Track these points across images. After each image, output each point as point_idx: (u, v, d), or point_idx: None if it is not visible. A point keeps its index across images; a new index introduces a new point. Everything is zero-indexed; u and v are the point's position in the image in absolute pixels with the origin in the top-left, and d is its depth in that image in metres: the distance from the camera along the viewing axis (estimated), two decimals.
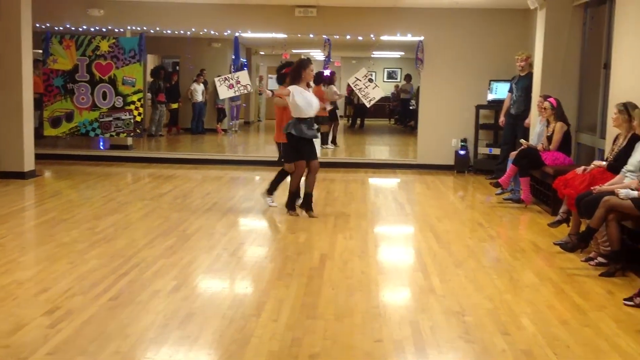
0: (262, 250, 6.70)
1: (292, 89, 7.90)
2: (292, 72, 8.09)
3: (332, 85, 14.95)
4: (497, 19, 11.98)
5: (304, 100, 7.90)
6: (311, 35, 12.50)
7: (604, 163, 6.80)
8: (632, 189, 5.77)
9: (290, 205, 8.14)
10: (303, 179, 8.16)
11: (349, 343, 4.25)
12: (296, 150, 8.00)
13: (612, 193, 5.83)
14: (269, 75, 24.68)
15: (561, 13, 9.75)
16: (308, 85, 8.26)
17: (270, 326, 4.47)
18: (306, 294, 5.16)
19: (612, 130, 7.15)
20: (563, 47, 9.80)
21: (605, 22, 8.87)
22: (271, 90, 8.29)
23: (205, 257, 6.21)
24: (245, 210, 8.47)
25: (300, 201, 8.23)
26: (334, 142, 15.53)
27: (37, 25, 11.69)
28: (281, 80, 8.62)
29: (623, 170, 6.32)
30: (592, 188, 6.27)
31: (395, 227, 8.06)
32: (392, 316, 4.74)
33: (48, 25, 12.29)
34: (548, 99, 8.78)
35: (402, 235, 7.82)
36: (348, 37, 12.45)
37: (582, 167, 6.96)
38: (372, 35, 12.58)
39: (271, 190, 8.52)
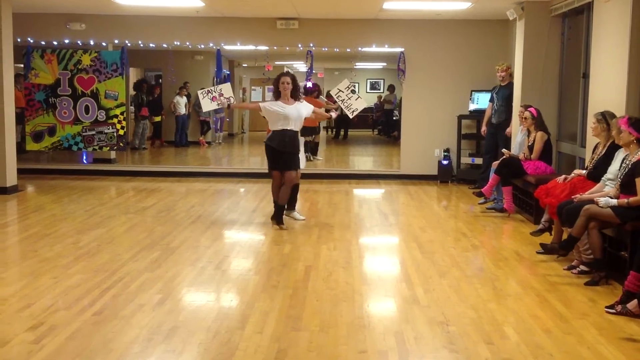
0: (247, 263, 6.69)
1: (263, 105, 8.24)
2: (273, 90, 8.31)
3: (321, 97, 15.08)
4: (477, 30, 12.10)
5: (273, 114, 8.06)
6: (293, 48, 12.53)
7: (584, 172, 6.88)
8: (611, 197, 5.85)
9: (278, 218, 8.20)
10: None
11: (333, 354, 4.27)
12: (271, 161, 8.18)
13: (592, 202, 5.90)
14: (252, 87, 24.70)
15: (540, 23, 9.87)
16: (296, 98, 8.25)
17: (255, 339, 4.47)
18: (291, 306, 5.18)
19: (592, 139, 7.23)
20: (542, 57, 9.92)
21: (583, 31, 8.99)
22: (229, 104, 8.39)
23: (190, 270, 6.20)
24: (230, 223, 8.47)
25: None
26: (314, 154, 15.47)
27: (19, 39, 11.67)
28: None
29: (603, 178, 6.40)
30: (573, 197, 6.34)
31: (379, 238, 8.09)
32: (377, 327, 4.76)
33: (29, 39, 12.25)
34: (528, 109, 8.87)
35: (386, 245, 7.86)
36: (329, 49, 12.51)
37: (563, 176, 7.03)
38: (354, 47, 12.64)
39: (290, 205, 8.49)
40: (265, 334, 4.56)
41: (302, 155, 8.79)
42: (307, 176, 12.22)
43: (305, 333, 4.59)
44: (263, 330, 4.63)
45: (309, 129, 14.19)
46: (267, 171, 8.42)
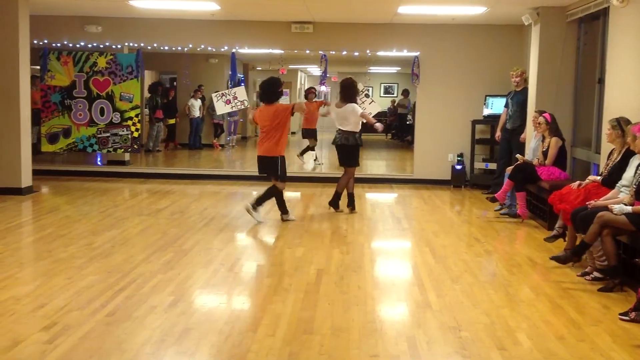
0: (259, 266, 6.71)
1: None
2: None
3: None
4: (492, 34, 12.07)
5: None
6: (307, 51, 12.56)
7: (599, 178, 6.84)
8: (626, 204, 5.81)
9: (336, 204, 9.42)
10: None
11: (345, 358, 4.27)
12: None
13: (606, 208, 5.86)
14: None
15: (555, 28, 9.84)
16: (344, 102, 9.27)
17: (267, 341, 4.48)
18: (303, 309, 5.18)
19: (607, 145, 7.20)
20: (558, 62, 9.88)
21: (599, 37, 8.95)
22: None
23: (202, 272, 6.22)
24: (243, 226, 8.48)
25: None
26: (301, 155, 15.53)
27: (35, 41, 11.75)
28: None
29: (618, 185, 6.36)
30: (587, 203, 6.31)
31: (391, 242, 8.08)
32: (389, 331, 4.75)
33: (46, 41, 12.35)
34: (543, 114, 8.84)
35: (398, 250, 7.84)
36: (344, 52, 12.53)
37: (577, 182, 6.99)
38: (368, 51, 12.65)
39: (261, 202, 8.66)
40: (277, 337, 4.56)
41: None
42: (320, 180, 12.25)
43: (317, 336, 4.59)
44: (275, 333, 4.63)
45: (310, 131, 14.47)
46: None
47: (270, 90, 8.69)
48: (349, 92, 9.32)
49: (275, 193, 8.62)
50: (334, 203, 9.42)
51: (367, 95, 10.50)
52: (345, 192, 9.45)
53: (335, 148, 9.48)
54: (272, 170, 8.57)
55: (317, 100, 13.98)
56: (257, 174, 12.53)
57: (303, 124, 14.93)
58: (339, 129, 9.34)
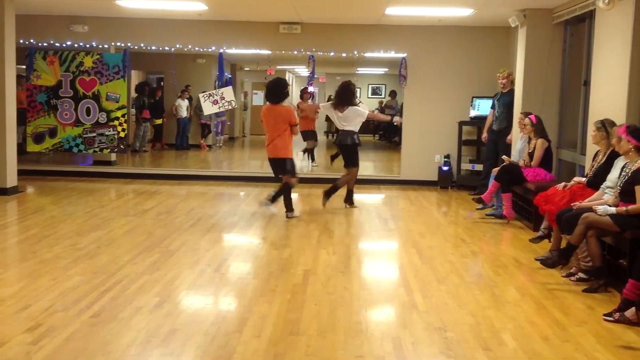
0: (246, 266, 6.70)
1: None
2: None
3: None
4: (479, 36, 12.12)
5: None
6: (295, 52, 12.56)
7: (584, 179, 6.88)
8: (610, 205, 5.85)
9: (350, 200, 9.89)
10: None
11: (331, 359, 4.27)
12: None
13: (591, 209, 5.90)
14: (254, 91, 24.72)
15: (542, 31, 9.89)
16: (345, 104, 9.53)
17: (253, 342, 4.47)
18: (289, 310, 5.18)
19: (592, 146, 7.24)
20: (544, 64, 9.93)
21: (585, 39, 9.00)
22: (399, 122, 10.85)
23: (189, 273, 6.20)
24: (229, 226, 8.48)
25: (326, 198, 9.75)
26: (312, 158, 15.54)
27: (21, 41, 11.69)
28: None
29: (602, 186, 6.40)
30: (572, 204, 6.34)
31: (378, 243, 8.09)
32: (374, 332, 4.76)
33: (32, 41, 12.28)
34: (529, 116, 8.88)
35: (385, 251, 7.86)
36: (332, 53, 12.54)
37: (563, 184, 7.04)
38: (355, 52, 12.66)
39: (275, 199, 9.02)
40: (263, 338, 4.56)
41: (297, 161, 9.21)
42: (307, 181, 12.24)
43: (303, 337, 4.59)
44: (261, 334, 4.63)
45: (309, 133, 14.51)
46: (268, 175, 8.63)
47: (276, 91, 8.93)
48: (346, 95, 9.52)
49: (288, 189, 8.93)
50: (328, 194, 9.70)
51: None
52: (341, 190, 9.77)
53: (339, 148, 9.85)
54: (282, 171, 8.91)
55: (313, 104, 14.07)
56: (244, 174, 12.59)
57: (301, 127, 14.94)
58: (341, 130, 9.65)
